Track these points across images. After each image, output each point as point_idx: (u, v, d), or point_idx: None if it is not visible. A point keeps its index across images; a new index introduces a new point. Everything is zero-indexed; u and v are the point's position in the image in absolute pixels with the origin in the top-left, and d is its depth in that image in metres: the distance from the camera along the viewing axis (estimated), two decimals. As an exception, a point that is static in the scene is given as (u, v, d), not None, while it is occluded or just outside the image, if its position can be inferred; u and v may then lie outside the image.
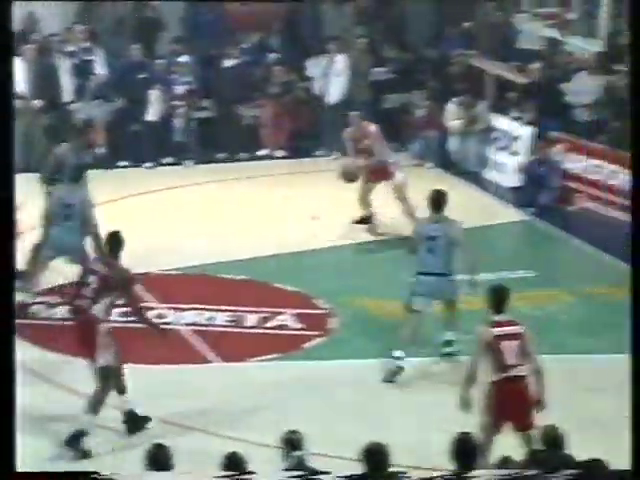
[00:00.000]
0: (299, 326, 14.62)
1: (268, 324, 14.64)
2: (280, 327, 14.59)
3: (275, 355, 13.93)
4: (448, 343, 13.78)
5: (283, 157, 20.71)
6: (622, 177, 17.79)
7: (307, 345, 14.21)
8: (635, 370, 8.32)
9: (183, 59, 20.45)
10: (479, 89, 20.18)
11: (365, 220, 17.27)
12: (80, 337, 11.97)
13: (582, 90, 18.95)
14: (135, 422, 11.84)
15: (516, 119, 19.38)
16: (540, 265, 16.52)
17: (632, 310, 8.25)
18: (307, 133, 21.07)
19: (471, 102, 19.69)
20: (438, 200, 13.83)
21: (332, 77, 20.42)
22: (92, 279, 11.91)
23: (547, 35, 18.14)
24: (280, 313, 14.82)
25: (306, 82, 20.82)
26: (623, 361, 13.64)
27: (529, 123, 19.08)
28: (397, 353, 13.21)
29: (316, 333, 14.44)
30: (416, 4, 22.11)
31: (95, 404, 11.54)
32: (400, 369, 13.12)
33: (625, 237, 16.96)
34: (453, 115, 19.86)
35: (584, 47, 17.61)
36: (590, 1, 17.21)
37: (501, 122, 19.62)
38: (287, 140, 20.75)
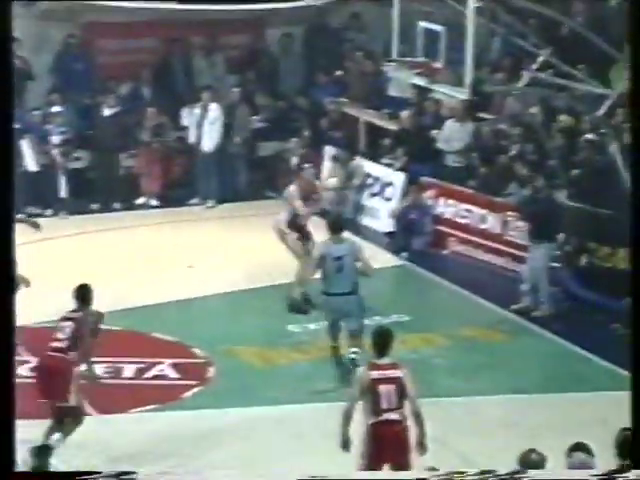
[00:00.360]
0: (177, 376, 14.59)
1: (146, 374, 14.60)
2: (158, 377, 14.55)
3: (154, 406, 13.87)
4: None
5: (158, 206, 20.66)
6: (491, 220, 18.07)
7: (185, 395, 14.17)
8: (635, 370, 8.27)
9: (57, 109, 20.34)
10: (352, 136, 20.35)
11: None
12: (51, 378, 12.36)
13: (451, 137, 19.23)
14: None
15: (388, 165, 19.56)
16: (414, 309, 16.67)
17: (632, 310, 8.02)
18: (181, 181, 21.07)
19: (347, 158, 19.84)
20: (338, 223, 14.55)
21: (206, 125, 20.45)
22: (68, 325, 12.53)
23: (416, 83, 18.36)
24: (158, 363, 14.79)
25: (180, 131, 20.80)
26: (496, 402, 14.00)
27: (401, 169, 19.27)
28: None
29: (194, 383, 14.42)
30: (287, 53, 22.24)
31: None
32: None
33: (495, 279, 17.39)
34: (330, 172, 20.02)
35: (451, 95, 17.83)
36: (455, 51, 17.45)
37: (374, 168, 19.78)
38: (161, 189, 20.73)
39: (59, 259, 18.06)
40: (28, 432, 11.53)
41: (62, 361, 12.38)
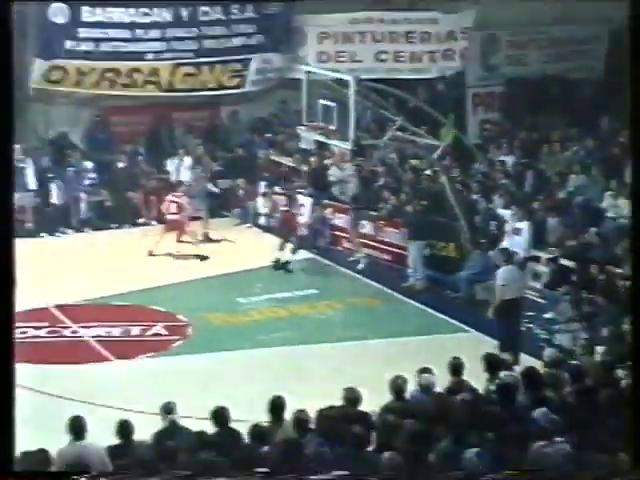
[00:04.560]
0: (167, 333, 14.50)
1: (147, 333, 14.49)
2: (155, 335, 14.46)
3: (153, 353, 13.82)
4: None
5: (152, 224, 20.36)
6: (368, 227, 18.07)
7: (173, 346, 14.12)
8: (635, 370, 6.63)
9: (87, 164, 20.05)
10: (277, 174, 20.34)
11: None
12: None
13: (336, 173, 19.24)
14: None
15: (300, 193, 19.54)
16: (320, 285, 16.62)
17: (632, 310, 6.63)
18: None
19: (270, 192, 19.77)
20: None
21: (182, 171, 20.31)
22: None
23: (317, 139, 18.39)
24: (154, 325, 14.66)
25: (165, 174, 20.63)
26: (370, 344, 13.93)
27: (309, 195, 19.26)
28: None
29: (178, 337, 14.38)
30: (234, 122, 22.18)
31: None
32: None
33: (374, 267, 17.40)
34: (261, 203, 19.99)
35: (340, 146, 17.89)
36: (342, 118, 17.56)
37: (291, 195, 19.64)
38: (156, 212, 20.41)
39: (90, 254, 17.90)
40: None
41: None
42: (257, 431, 8.14)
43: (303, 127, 19.51)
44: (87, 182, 19.81)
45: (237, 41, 20.47)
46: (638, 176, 6.42)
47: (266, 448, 7.86)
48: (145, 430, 8.57)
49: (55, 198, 19.52)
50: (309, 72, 19.68)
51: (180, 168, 20.29)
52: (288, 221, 17.91)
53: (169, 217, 18.22)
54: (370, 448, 7.91)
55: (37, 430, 10.30)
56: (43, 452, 7.56)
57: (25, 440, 8.47)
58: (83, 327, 14.49)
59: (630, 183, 6.71)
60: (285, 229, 17.75)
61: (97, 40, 19.44)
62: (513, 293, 13.23)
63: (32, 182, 19.36)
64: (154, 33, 19.82)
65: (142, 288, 16.16)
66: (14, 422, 5.80)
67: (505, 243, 15.78)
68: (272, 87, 21.49)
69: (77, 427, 8.26)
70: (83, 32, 19.35)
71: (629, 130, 6.48)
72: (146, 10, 19.62)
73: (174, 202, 18.24)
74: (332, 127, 18.65)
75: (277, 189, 19.56)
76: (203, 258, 17.63)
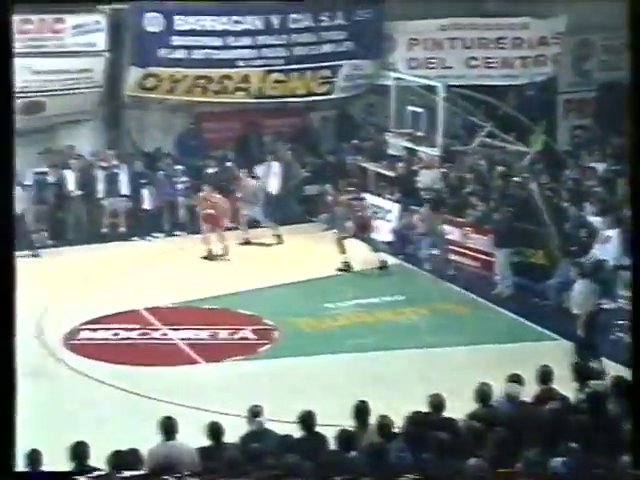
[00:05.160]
0: (254, 337, 14.61)
1: (234, 336, 14.59)
2: (242, 338, 14.56)
3: (241, 357, 13.91)
4: None
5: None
6: (457, 233, 17.96)
7: (260, 350, 14.22)
8: (635, 371, 6.61)
9: (179, 168, 20.32)
10: (364, 180, 20.38)
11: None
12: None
13: (426, 180, 19.19)
14: None
15: (388, 199, 19.53)
16: (407, 292, 16.54)
17: (632, 310, 6.59)
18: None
19: (360, 197, 19.78)
20: None
21: (271, 176, 20.50)
22: None
23: (405, 146, 18.40)
24: (242, 329, 14.77)
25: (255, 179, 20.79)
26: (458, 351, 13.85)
27: (396, 201, 19.25)
28: None
29: (265, 341, 14.48)
30: (324, 129, 22.26)
31: None
32: None
33: (461, 273, 17.28)
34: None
35: (428, 153, 17.88)
36: (431, 124, 17.55)
37: (379, 201, 19.64)
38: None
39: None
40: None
41: None
42: (344, 436, 8.18)
43: (391, 133, 19.56)
44: (181, 186, 20.12)
45: (327, 48, 20.61)
46: (638, 175, 6.41)
47: (353, 453, 7.90)
48: (232, 432, 8.68)
49: (147, 203, 19.88)
50: (398, 78, 19.71)
51: (269, 174, 20.49)
52: (363, 225, 17.81)
53: (206, 212, 18.27)
54: (455, 455, 7.89)
55: (128, 430, 10.58)
56: (134, 451, 7.72)
57: (117, 439, 8.77)
58: (172, 330, 14.69)
59: (630, 182, 6.66)
60: (359, 232, 17.68)
61: (190, 48, 19.79)
62: (586, 307, 13.10)
63: (125, 187, 19.76)
64: (245, 40, 20.08)
65: (229, 292, 16.26)
66: (15, 422, 5.67)
67: (595, 251, 15.56)
68: (361, 93, 21.56)
69: (168, 427, 8.36)
70: (176, 40, 19.71)
71: (630, 130, 6.49)
72: (238, 18, 19.89)
73: (210, 200, 18.26)
74: (420, 133, 18.66)
75: (354, 194, 19.48)
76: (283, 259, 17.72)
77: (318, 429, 8.62)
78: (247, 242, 19.01)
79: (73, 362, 13.55)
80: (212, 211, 18.29)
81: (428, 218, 17.26)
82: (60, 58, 18.97)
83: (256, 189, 19.40)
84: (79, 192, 19.47)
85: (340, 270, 17.27)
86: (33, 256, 17.76)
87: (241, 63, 20.19)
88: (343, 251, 17.40)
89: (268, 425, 9.00)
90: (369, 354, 13.83)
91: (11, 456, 5.68)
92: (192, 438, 8.53)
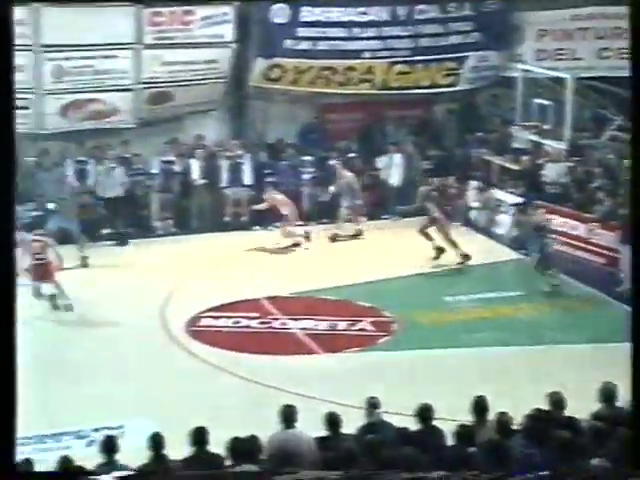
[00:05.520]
0: (373, 329, 14.61)
1: (353, 328, 14.61)
2: (361, 330, 14.56)
3: (359, 348, 13.95)
4: None
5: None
6: (582, 229, 17.64)
7: (379, 341, 14.21)
8: (635, 369, 6.56)
9: (306, 158, 20.47)
10: (488, 174, 20.16)
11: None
12: None
13: (551, 174, 18.87)
14: None
15: (511, 193, 19.27)
16: (528, 288, 16.26)
17: (632, 309, 6.70)
18: (380, 203, 20.91)
19: (484, 187, 19.61)
20: None
21: (393, 168, 20.46)
22: None
23: (531, 139, 18.11)
24: (360, 320, 14.77)
25: (375, 171, 20.83)
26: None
27: (520, 195, 18.98)
28: None
29: (384, 333, 14.48)
30: (448, 121, 22.10)
31: None
32: None
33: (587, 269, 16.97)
34: (472, 197, 19.86)
35: (554, 146, 17.54)
36: (558, 117, 17.23)
37: (502, 195, 19.44)
38: (368, 207, 20.56)
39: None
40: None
41: None
42: (463, 431, 8.12)
43: (517, 126, 19.28)
44: (306, 177, 20.21)
45: (453, 39, 20.45)
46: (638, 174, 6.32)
47: (472, 449, 7.83)
48: (350, 423, 8.70)
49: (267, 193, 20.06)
50: (525, 70, 19.41)
51: (390, 165, 20.46)
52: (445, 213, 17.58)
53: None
54: (577, 454, 7.74)
55: (248, 417, 10.73)
56: (254, 438, 7.81)
57: (236, 426, 8.90)
58: (292, 319, 14.80)
59: (630, 182, 6.52)
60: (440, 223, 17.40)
61: (315, 39, 19.91)
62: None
63: (248, 177, 20.01)
64: (371, 32, 20.07)
65: (348, 283, 16.31)
66: (15, 422, 5.54)
67: None
68: (486, 85, 21.31)
69: (288, 415, 8.44)
70: (302, 31, 19.85)
71: (630, 130, 6.40)
72: (364, 9, 19.90)
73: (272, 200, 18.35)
74: (547, 126, 18.33)
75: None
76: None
77: (435, 423, 8.57)
78: (358, 233, 18.98)
79: (194, 348, 13.80)
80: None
81: (536, 213, 16.94)
82: (188, 49, 19.32)
83: (351, 181, 19.32)
84: (203, 181, 19.83)
85: (459, 263, 17.15)
86: (120, 245, 18.18)
87: (366, 54, 20.21)
88: (429, 239, 17.20)
89: (385, 417, 8.98)
90: (489, 349, 13.68)
91: (12, 456, 5.59)
92: (310, 428, 8.58)
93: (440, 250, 17.25)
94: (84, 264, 17.04)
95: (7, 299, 5.50)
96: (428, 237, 17.35)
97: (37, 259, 14.76)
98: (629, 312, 6.76)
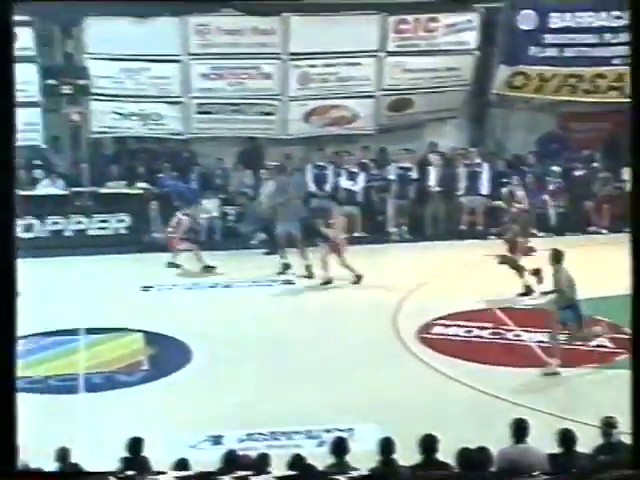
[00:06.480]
0: (612, 345, 14.04)
1: (590, 343, 13.98)
2: (599, 346, 14.04)
3: (596, 365, 13.50)
4: None
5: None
6: None
7: (617, 359, 13.62)
8: (636, 368, 6.46)
9: (554, 169, 20.03)
10: None
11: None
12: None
13: None
14: None
15: None
16: None
17: (632, 308, 6.51)
18: (624, 216, 20.14)
19: None
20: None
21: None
22: None
23: None
24: (599, 336, 14.02)
25: (621, 183, 20.01)
26: None
27: None
28: None
29: (623, 350, 13.83)
30: None
31: None
32: None
33: None
34: None
35: None
36: None
37: None
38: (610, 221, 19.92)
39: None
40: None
41: None
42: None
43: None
44: (552, 187, 19.88)
45: None
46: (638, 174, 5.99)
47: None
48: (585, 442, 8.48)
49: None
50: None
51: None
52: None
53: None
54: None
55: (476, 428, 10.65)
56: (484, 450, 7.76)
57: (464, 437, 8.84)
58: (526, 331, 14.55)
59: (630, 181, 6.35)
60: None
61: (562, 45, 19.51)
62: None
63: (485, 186, 19.84)
64: (623, 37, 19.43)
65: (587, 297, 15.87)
66: (16, 422, 5.59)
67: None
68: None
69: (520, 429, 8.34)
70: (549, 38, 19.51)
71: (630, 130, 6.33)
72: (618, 13, 19.28)
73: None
74: None
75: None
76: None
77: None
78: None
79: (424, 355, 13.83)
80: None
81: None
82: (431, 57, 19.42)
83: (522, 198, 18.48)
84: (439, 188, 19.85)
85: None
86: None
87: (617, 61, 19.58)
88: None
89: (622, 438, 8.64)
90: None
91: (12, 456, 5.61)
92: (540, 443, 8.42)
93: None
94: (309, 274, 17.03)
95: (7, 300, 5.56)
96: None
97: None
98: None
